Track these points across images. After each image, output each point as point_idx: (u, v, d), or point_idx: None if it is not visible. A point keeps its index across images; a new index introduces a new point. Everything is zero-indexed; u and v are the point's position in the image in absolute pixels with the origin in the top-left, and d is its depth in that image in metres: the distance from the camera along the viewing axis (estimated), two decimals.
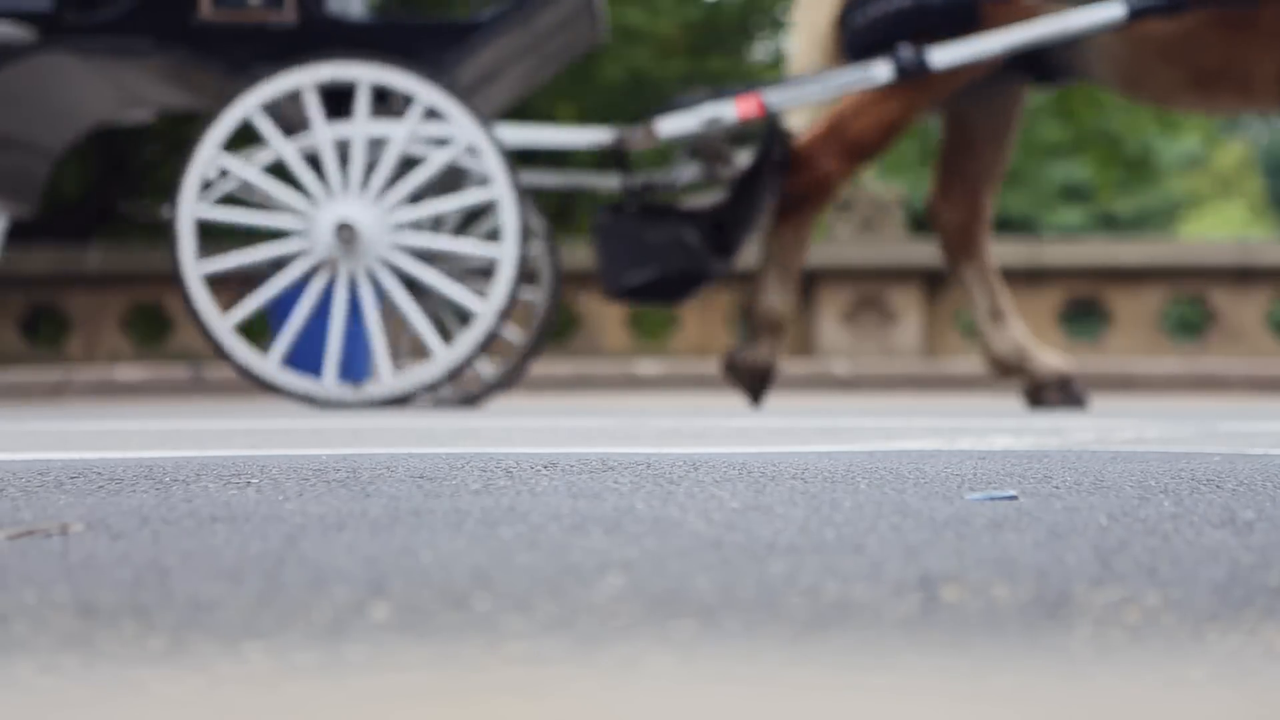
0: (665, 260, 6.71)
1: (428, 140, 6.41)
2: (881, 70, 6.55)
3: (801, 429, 4.69)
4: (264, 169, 6.42)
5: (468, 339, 6.34)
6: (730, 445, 3.75)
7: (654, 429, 4.64)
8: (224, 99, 6.40)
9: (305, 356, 6.61)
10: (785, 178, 6.94)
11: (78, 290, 14.42)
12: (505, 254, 6.33)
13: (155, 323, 14.93)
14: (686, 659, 1.36)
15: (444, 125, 6.35)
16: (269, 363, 6.31)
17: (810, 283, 14.12)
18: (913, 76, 6.58)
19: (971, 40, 6.59)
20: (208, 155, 6.30)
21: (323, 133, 6.33)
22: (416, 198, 6.49)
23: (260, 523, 1.95)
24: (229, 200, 6.55)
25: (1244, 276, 13.48)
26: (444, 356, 6.32)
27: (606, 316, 13.93)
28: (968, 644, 1.41)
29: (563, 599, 1.52)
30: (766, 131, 6.78)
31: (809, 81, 6.69)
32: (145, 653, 1.40)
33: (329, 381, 6.32)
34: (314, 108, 6.31)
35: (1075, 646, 1.42)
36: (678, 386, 12.79)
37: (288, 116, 6.51)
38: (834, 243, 13.99)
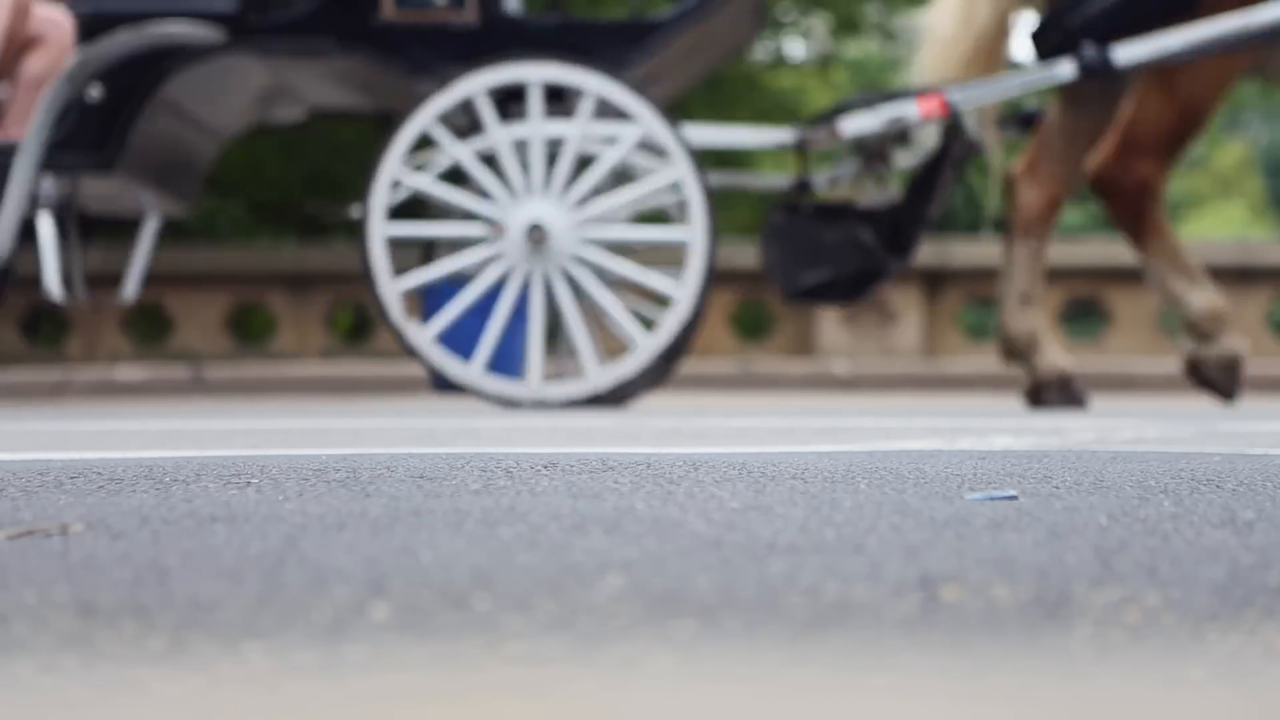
0: (841, 260, 6.70)
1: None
2: (1065, 69, 6.57)
3: (801, 429, 4.69)
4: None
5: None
6: (730, 445, 3.75)
7: (654, 429, 4.64)
8: (411, 100, 6.44)
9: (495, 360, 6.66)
10: (960, 178, 6.93)
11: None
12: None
13: (155, 323, 14.93)
14: (686, 659, 1.36)
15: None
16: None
17: None
18: (1096, 75, 6.60)
19: (1160, 36, 6.58)
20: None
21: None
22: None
23: (260, 523, 1.95)
24: (402, 207, 6.57)
25: (1244, 276, 13.47)
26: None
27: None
28: (968, 644, 1.41)
29: (563, 599, 1.52)
30: (946, 130, 6.76)
31: (992, 81, 6.70)
32: (145, 653, 1.40)
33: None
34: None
35: (1075, 646, 1.42)
36: (678, 386, 12.80)
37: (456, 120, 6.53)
38: None
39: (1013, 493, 2.27)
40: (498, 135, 6.32)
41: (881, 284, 6.82)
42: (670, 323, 6.34)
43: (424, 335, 6.30)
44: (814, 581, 1.57)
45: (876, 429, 4.69)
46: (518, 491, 2.27)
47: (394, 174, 6.30)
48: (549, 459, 2.70)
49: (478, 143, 6.39)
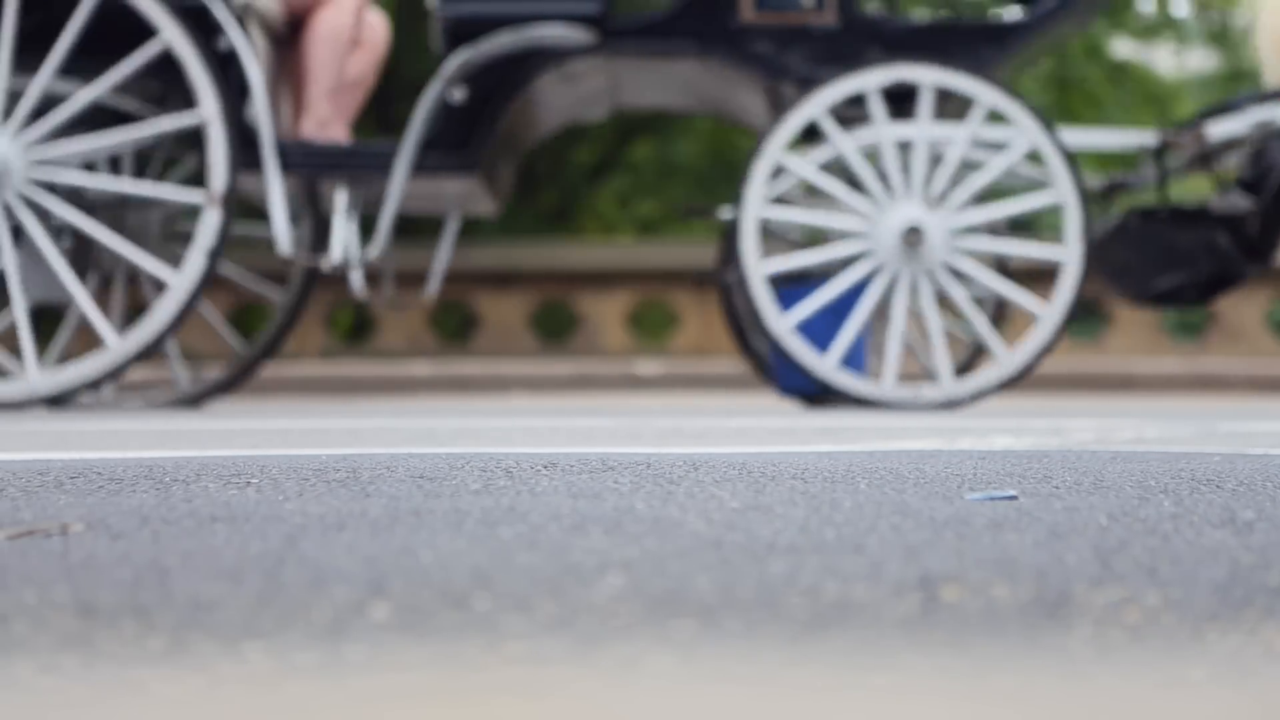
0: (1196, 264, 6.68)
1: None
2: None
3: (801, 429, 4.69)
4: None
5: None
6: (730, 445, 3.75)
7: (654, 429, 4.64)
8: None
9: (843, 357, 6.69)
10: None
11: None
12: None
13: None
14: (686, 659, 1.36)
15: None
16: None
17: None
18: None
19: None
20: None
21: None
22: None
23: (260, 523, 1.95)
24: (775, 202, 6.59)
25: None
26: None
27: (606, 316, 13.93)
28: (968, 644, 1.41)
29: (563, 599, 1.52)
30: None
31: None
32: (145, 653, 1.40)
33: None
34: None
35: (1075, 646, 1.42)
36: (678, 386, 12.79)
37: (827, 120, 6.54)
38: None
39: (1013, 493, 2.27)
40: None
41: (1237, 287, 6.78)
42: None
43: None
44: (814, 581, 1.57)
45: (876, 429, 4.69)
46: (518, 491, 2.27)
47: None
48: (549, 459, 2.70)
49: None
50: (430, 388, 11.81)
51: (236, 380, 7.55)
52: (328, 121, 6.65)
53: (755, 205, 6.30)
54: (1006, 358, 6.32)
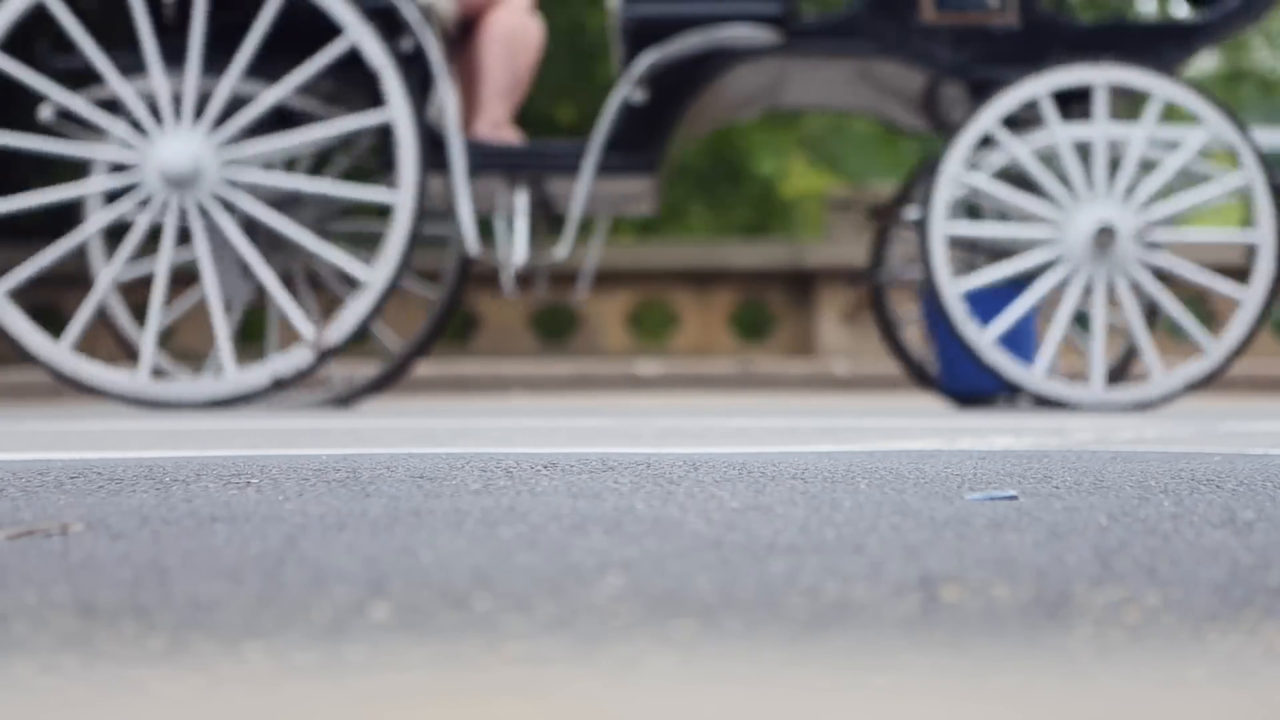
0: None
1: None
2: None
3: (801, 429, 4.69)
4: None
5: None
6: (730, 445, 3.75)
7: (654, 429, 4.64)
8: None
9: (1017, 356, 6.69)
10: None
11: (78, 290, 14.40)
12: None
13: None
14: (686, 659, 1.36)
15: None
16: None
17: (810, 283, 14.12)
18: None
19: None
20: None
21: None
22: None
23: (260, 523, 1.95)
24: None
25: (1245, 276, 13.44)
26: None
27: (606, 316, 13.94)
28: (968, 644, 1.41)
29: (563, 599, 1.52)
30: None
31: None
32: (145, 653, 1.40)
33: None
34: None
35: (1075, 646, 1.42)
36: (678, 386, 12.79)
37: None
38: (834, 243, 13.98)
39: (1013, 493, 2.27)
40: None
41: None
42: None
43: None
44: (814, 581, 1.57)
45: (876, 429, 4.69)
46: (518, 491, 2.27)
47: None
48: (549, 459, 2.70)
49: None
50: (430, 388, 11.80)
51: (389, 379, 7.57)
52: (500, 123, 6.66)
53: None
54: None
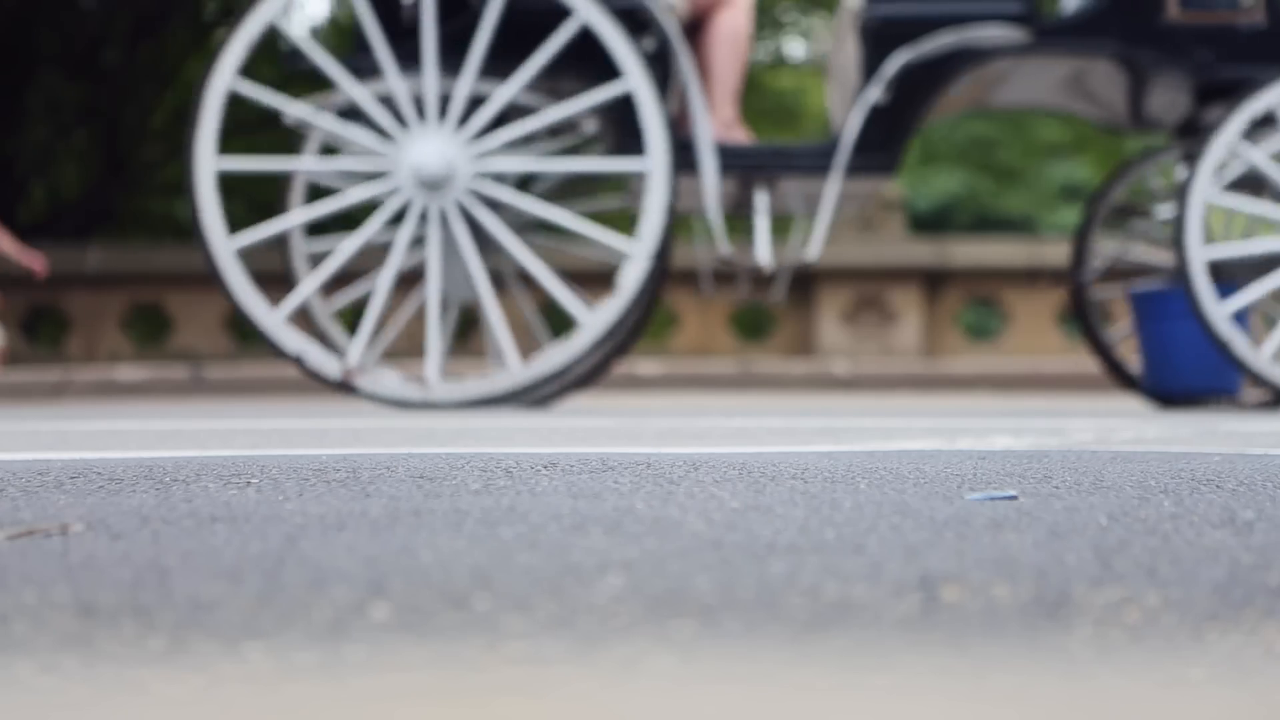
0: None
1: None
2: None
3: (801, 429, 4.69)
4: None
5: None
6: (730, 445, 3.75)
7: (654, 429, 4.64)
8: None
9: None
10: None
11: (77, 290, 14.42)
12: None
13: (155, 322, 14.93)
14: (686, 659, 1.36)
15: None
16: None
17: (810, 283, 14.12)
18: None
19: None
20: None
21: None
22: None
23: (260, 523, 1.95)
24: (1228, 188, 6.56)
25: None
26: None
27: None
28: (968, 644, 1.41)
29: (563, 599, 1.52)
30: None
31: None
32: (145, 653, 1.40)
33: None
34: None
35: (1075, 646, 1.42)
36: (678, 386, 12.79)
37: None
38: (834, 243, 13.99)
39: (1013, 493, 2.27)
40: None
41: None
42: None
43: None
44: (814, 581, 1.57)
45: (876, 429, 4.69)
46: (518, 491, 2.27)
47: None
48: (549, 459, 2.70)
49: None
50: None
51: (591, 377, 7.56)
52: (731, 123, 6.64)
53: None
54: None
